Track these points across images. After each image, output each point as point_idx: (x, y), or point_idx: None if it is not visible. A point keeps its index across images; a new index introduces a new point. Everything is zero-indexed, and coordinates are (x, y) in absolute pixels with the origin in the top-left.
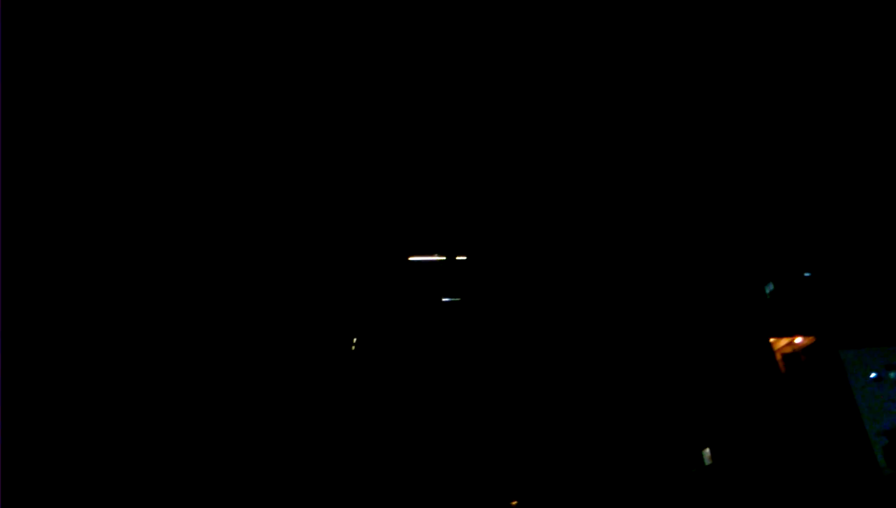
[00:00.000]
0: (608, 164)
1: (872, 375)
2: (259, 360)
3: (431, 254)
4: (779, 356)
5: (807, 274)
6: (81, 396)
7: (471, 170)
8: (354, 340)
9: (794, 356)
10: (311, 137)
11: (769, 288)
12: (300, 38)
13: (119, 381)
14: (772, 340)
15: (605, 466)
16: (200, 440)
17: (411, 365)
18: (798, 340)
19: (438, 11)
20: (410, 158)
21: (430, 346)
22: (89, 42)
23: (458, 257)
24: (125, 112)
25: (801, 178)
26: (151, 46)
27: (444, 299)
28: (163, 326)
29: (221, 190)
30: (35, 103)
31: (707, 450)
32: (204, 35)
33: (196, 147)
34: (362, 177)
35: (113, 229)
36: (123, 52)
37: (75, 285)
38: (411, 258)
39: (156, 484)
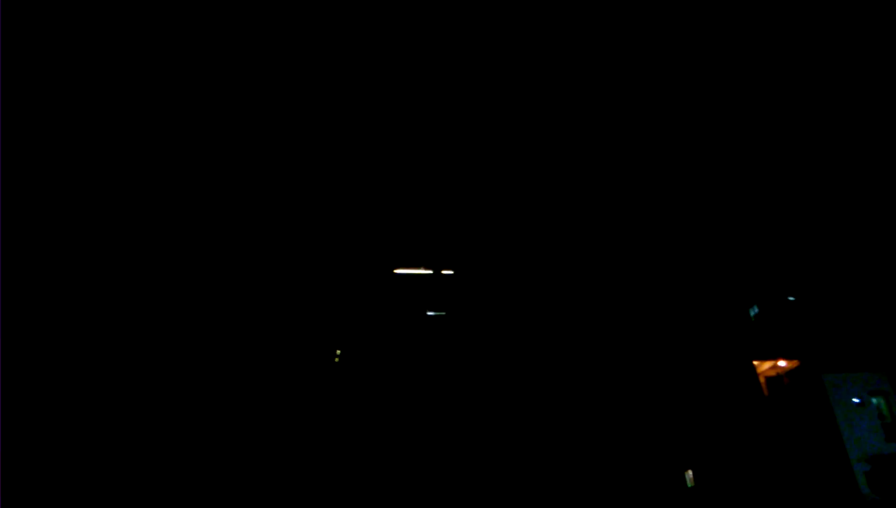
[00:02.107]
0: (593, 188)
1: (855, 400)
2: (244, 369)
3: (418, 267)
4: (762, 379)
5: (791, 298)
6: (80, 396)
7: (460, 186)
8: (338, 352)
9: (778, 379)
10: (296, 152)
11: (754, 311)
12: (264, 65)
13: (108, 381)
14: (755, 363)
15: (588, 485)
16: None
17: (395, 378)
18: (781, 363)
19: (409, 36)
20: (400, 171)
21: (413, 359)
22: (89, 42)
23: (444, 271)
24: (120, 113)
25: (786, 205)
26: (148, 47)
27: (429, 313)
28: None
29: (208, 203)
30: (35, 103)
31: (690, 472)
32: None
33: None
34: (349, 190)
35: (99, 230)
36: (123, 53)
37: (72, 286)
38: (397, 271)
39: (148, 484)
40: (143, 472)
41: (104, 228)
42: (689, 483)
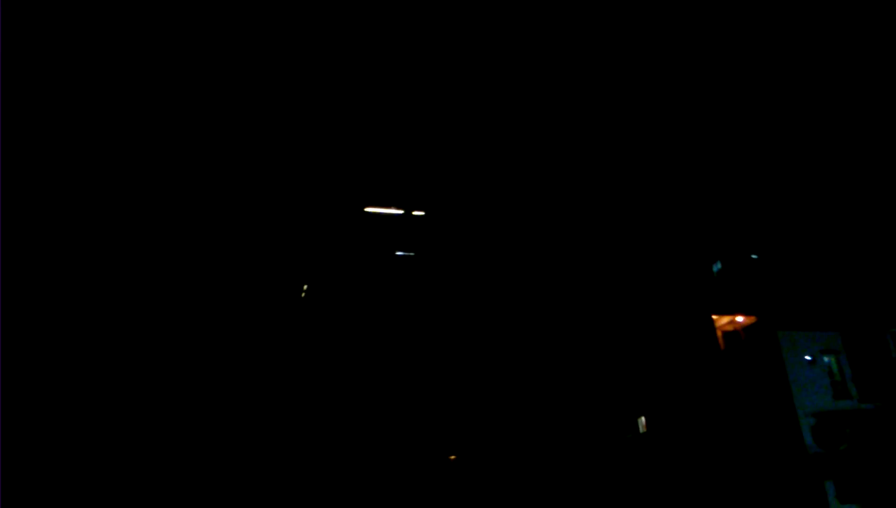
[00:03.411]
0: (564, 140)
1: (807, 357)
2: (218, 313)
3: (389, 207)
4: (720, 333)
5: (754, 256)
6: (81, 396)
7: (434, 126)
8: (305, 287)
9: (735, 334)
10: (269, 90)
11: (716, 267)
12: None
13: (107, 379)
14: (714, 317)
15: (543, 428)
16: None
17: (362, 315)
18: (739, 319)
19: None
20: (375, 111)
21: (381, 298)
22: (89, 42)
23: (415, 212)
24: (122, 112)
25: (756, 166)
26: (148, 46)
27: (398, 253)
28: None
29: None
30: (35, 103)
31: (642, 418)
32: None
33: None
34: (322, 127)
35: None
36: (123, 53)
37: (74, 286)
38: (368, 209)
39: (146, 480)
40: (126, 446)
41: (80, 208)
42: (642, 429)
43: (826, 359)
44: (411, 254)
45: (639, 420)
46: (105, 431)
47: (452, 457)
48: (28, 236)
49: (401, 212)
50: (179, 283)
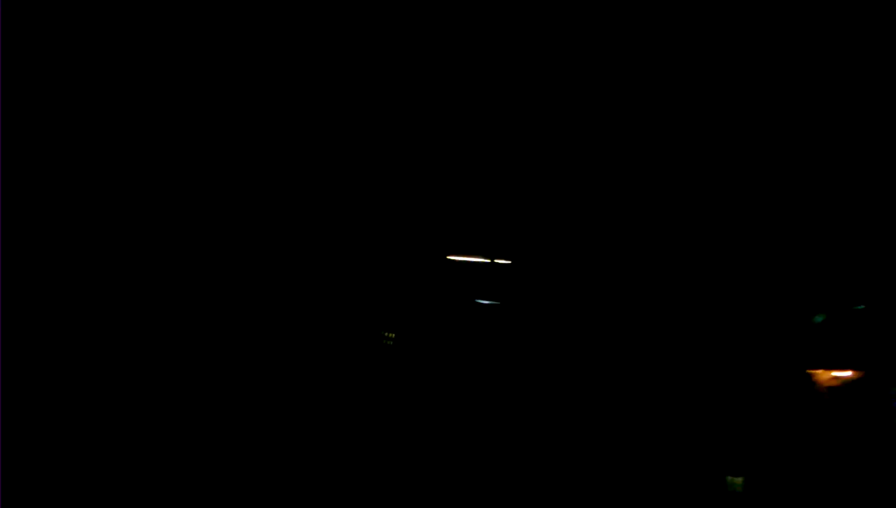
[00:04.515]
0: (652, 181)
1: None
2: (289, 358)
3: (471, 255)
4: (824, 389)
5: (860, 306)
6: (81, 396)
7: (518, 172)
8: (391, 335)
9: (840, 389)
10: (346, 130)
11: (819, 319)
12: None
13: (119, 381)
14: (817, 372)
15: (635, 490)
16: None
17: (444, 364)
18: (845, 373)
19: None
20: (457, 155)
21: (464, 347)
22: (89, 42)
23: (498, 260)
24: (126, 112)
25: (860, 209)
26: (151, 46)
27: (480, 302)
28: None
29: (244, 186)
30: (35, 103)
31: (740, 479)
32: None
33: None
34: (402, 170)
35: (113, 229)
36: (123, 52)
37: (75, 285)
38: (450, 257)
39: (155, 484)
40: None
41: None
42: (738, 489)
43: None
44: (496, 303)
45: (735, 481)
46: (105, 430)
47: None
48: (31, 236)
49: (486, 261)
50: (276, 330)
